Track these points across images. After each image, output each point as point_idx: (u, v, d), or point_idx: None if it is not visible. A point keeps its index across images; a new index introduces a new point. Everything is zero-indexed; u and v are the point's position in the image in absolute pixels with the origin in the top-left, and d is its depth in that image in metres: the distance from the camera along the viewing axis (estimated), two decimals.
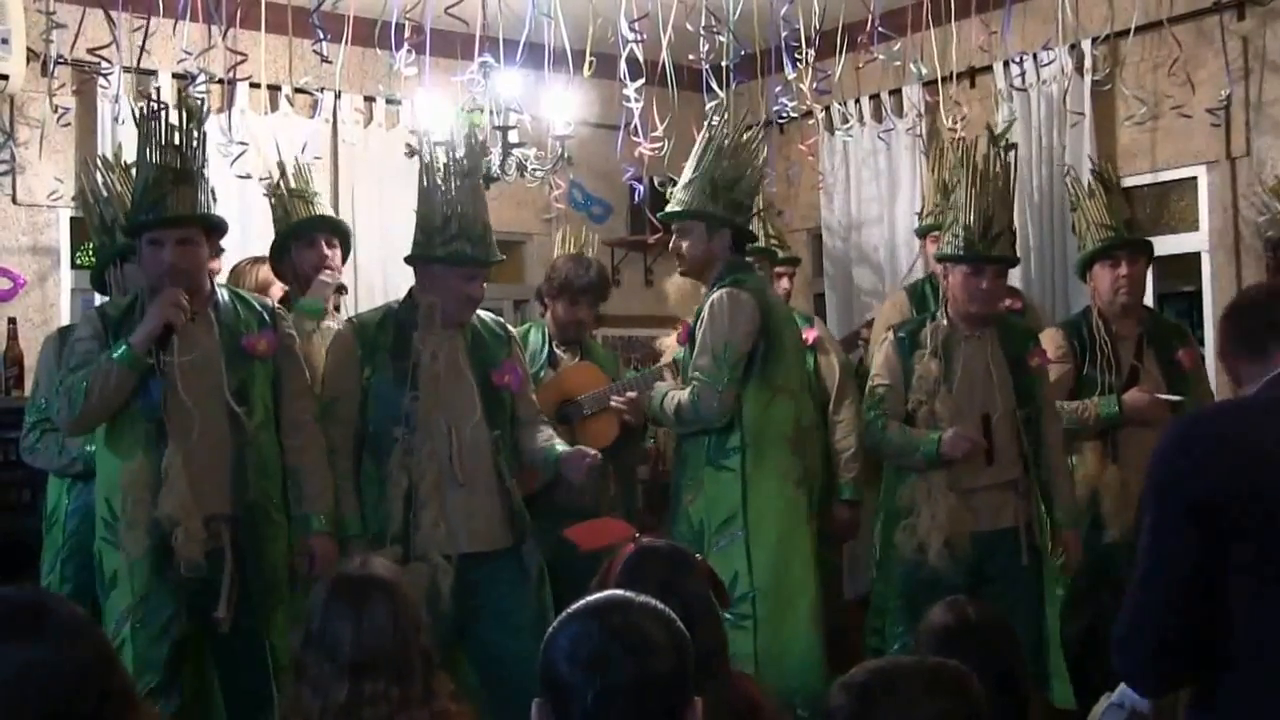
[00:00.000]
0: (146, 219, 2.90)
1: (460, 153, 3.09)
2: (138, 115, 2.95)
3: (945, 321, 3.43)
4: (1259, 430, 1.86)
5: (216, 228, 3.00)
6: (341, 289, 3.66)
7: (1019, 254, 4.50)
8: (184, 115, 2.92)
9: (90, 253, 3.71)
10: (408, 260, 3.20)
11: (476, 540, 3.06)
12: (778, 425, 3.26)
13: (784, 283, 4.31)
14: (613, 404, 3.66)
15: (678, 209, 3.39)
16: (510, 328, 3.36)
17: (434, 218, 3.10)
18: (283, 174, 3.65)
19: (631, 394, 3.64)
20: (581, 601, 1.55)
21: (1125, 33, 4.34)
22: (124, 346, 2.81)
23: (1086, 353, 3.67)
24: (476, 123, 3.27)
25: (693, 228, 3.36)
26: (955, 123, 4.46)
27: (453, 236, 3.08)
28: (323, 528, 3.00)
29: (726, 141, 3.36)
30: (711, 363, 3.19)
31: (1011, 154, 3.52)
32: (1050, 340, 3.74)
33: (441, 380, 3.07)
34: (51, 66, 4.14)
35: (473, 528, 3.06)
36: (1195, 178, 4.39)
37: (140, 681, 2.79)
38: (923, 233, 4.28)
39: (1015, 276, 4.53)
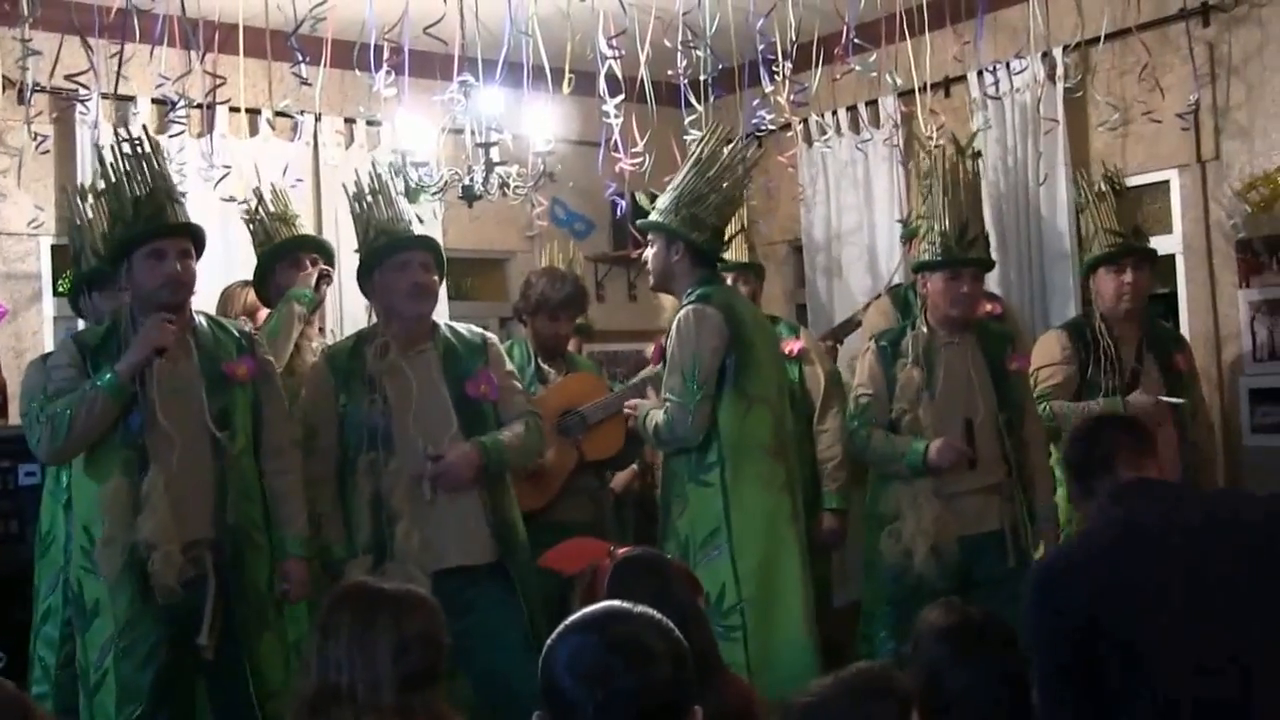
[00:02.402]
0: (147, 228, 2.89)
1: (366, 179, 3.23)
2: (117, 149, 2.96)
3: (925, 329, 3.48)
4: (1112, 563, 1.92)
5: (203, 241, 3.02)
6: (325, 276, 3.68)
7: (999, 259, 4.61)
8: (153, 144, 2.99)
9: (70, 280, 3.72)
10: (363, 292, 3.28)
11: (457, 554, 3.06)
12: (755, 435, 3.25)
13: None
14: (625, 409, 3.66)
15: (646, 221, 3.43)
16: (489, 335, 3.36)
17: (360, 239, 3.24)
18: (260, 200, 3.71)
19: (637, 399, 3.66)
20: (579, 613, 1.56)
21: (1095, 40, 4.41)
22: (109, 374, 2.80)
23: (1090, 355, 3.74)
24: (384, 164, 3.43)
25: (654, 240, 3.39)
26: (932, 132, 4.51)
27: (373, 239, 3.20)
28: (297, 552, 3.01)
29: (703, 158, 3.39)
30: (681, 382, 3.20)
31: (979, 161, 3.58)
32: (1055, 342, 3.82)
33: (413, 394, 3.08)
34: (28, 94, 4.13)
35: (453, 541, 3.06)
36: (1167, 181, 4.46)
37: (123, 711, 2.77)
38: (908, 236, 4.32)
39: (994, 282, 4.60)
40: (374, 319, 3.38)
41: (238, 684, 2.88)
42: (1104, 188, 3.91)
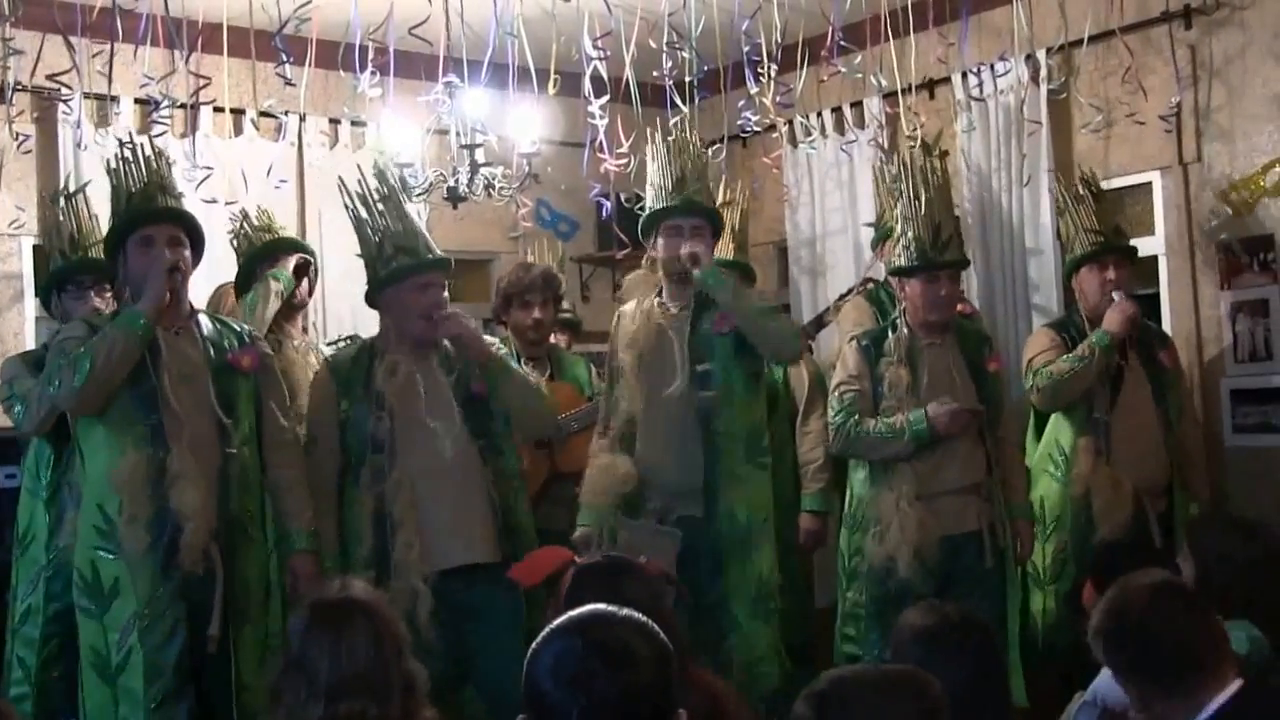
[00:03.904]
0: (135, 214, 2.93)
1: (374, 184, 3.19)
2: (115, 158, 3.01)
3: (906, 331, 3.49)
4: None
5: (199, 234, 3.05)
6: (305, 266, 3.71)
7: (983, 261, 4.63)
8: (154, 148, 3.05)
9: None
10: (368, 301, 3.25)
11: (457, 554, 3.04)
12: None
13: None
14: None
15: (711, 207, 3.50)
16: None
17: (370, 248, 3.18)
18: (245, 217, 3.79)
19: None
20: (563, 618, 1.56)
21: (1078, 42, 4.42)
22: (129, 313, 2.84)
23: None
24: (382, 164, 3.38)
25: (707, 233, 3.44)
26: (915, 133, 4.52)
27: (390, 256, 3.14)
28: (304, 545, 3.02)
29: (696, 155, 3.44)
30: None
31: (947, 160, 3.63)
32: (1045, 336, 3.86)
33: (420, 401, 3.07)
34: (10, 93, 4.11)
35: (455, 542, 3.04)
36: (1150, 183, 4.47)
37: (151, 689, 2.76)
38: (879, 240, 4.33)
39: (977, 282, 4.62)
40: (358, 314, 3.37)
41: (214, 674, 2.87)
42: (1082, 191, 3.95)
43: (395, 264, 3.12)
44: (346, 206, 3.23)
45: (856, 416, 3.42)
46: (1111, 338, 3.68)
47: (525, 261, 4.14)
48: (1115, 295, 3.75)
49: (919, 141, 3.82)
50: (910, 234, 3.47)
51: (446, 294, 3.21)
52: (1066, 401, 3.73)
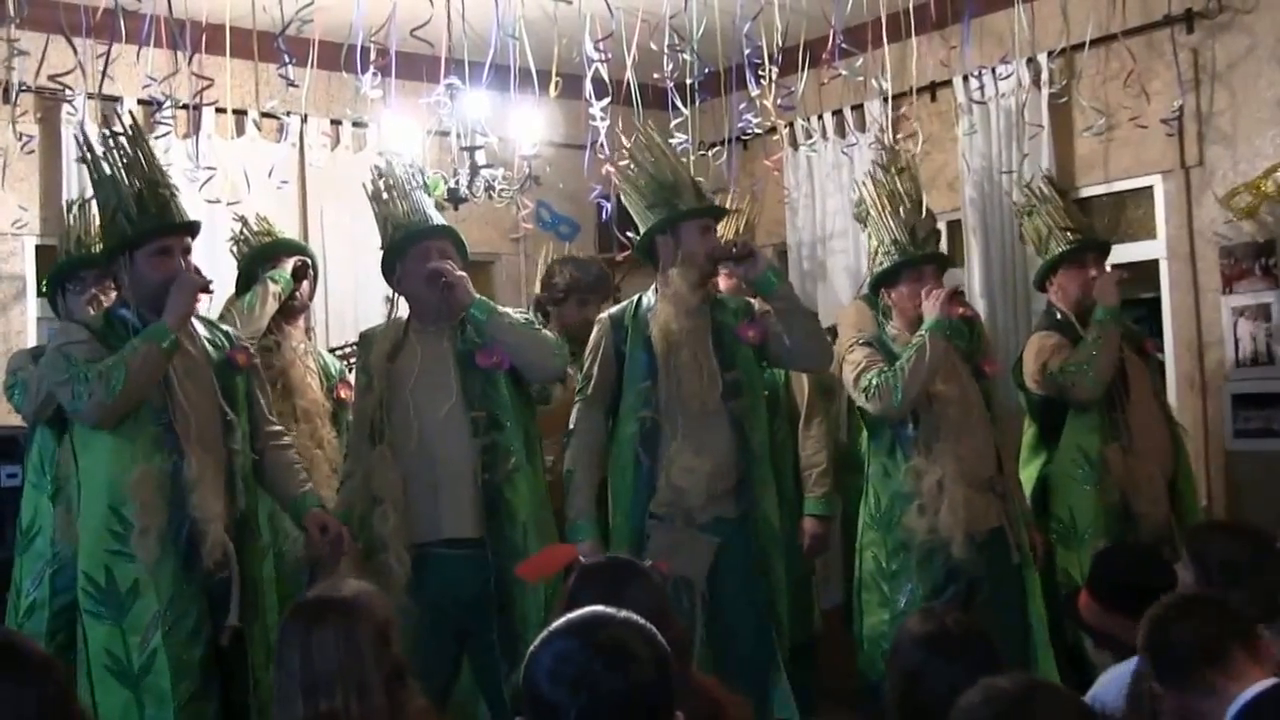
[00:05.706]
0: (153, 226, 2.88)
1: (380, 181, 3.20)
2: (109, 142, 2.95)
3: (908, 334, 3.48)
4: None
5: (198, 232, 3.05)
6: (304, 266, 3.71)
7: (983, 264, 4.63)
8: (137, 129, 3.00)
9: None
10: (388, 284, 3.24)
11: (435, 528, 2.99)
12: None
13: None
14: None
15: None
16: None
17: (384, 239, 3.20)
18: (245, 223, 3.79)
19: None
20: (563, 619, 1.57)
21: (1080, 46, 4.43)
22: (156, 328, 2.81)
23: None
24: (385, 162, 3.37)
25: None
26: (912, 135, 4.53)
27: (391, 234, 3.16)
28: (318, 505, 3.03)
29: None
30: None
31: (907, 175, 3.63)
32: (1049, 338, 3.77)
33: (412, 374, 3.06)
34: (14, 94, 4.12)
35: (434, 516, 2.99)
36: (1151, 187, 4.48)
37: (178, 689, 2.74)
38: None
39: (979, 285, 4.63)
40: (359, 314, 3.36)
41: (233, 670, 2.87)
42: (1047, 191, 3.93)
43: (392, 239, 3.14)
44: (374, 212, 3.24)
45: (885, 367, 3.38)
46: (1108, 313, 3.65)
47: (579, 258, 4.03)
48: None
49: (880, 160, 3.84)
50: (888, 239, 3.49)
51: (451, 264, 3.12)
52: (1106, 380, 3.62)
